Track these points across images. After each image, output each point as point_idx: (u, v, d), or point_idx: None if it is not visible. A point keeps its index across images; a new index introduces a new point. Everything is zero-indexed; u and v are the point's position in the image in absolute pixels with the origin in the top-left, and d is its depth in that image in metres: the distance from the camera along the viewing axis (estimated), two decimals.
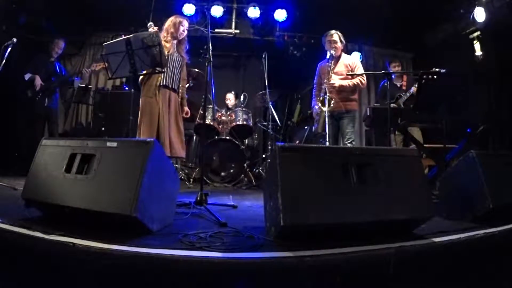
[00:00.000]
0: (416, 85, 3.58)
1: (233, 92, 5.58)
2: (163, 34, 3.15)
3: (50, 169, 1.74)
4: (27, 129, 4.43)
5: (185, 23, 3.27)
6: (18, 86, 4.34)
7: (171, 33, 3.20)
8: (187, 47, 3.38)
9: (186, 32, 3.28)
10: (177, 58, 3.24)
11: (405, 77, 4.49)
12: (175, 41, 3.25)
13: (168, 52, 3.12)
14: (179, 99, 3.34)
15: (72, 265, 1.29)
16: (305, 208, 1.51)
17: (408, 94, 4.18)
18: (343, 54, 3.85)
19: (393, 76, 4.38)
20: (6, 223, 1.49)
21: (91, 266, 1.27)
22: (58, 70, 4.56)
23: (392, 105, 3.92)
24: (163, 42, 3.08)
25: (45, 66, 4.44)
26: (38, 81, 4.29)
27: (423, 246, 1.54)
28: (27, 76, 4.28)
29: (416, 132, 4.32)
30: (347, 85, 3.63)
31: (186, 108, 3.48)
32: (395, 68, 4.60)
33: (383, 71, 3.37)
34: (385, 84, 4.35)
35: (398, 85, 4.43)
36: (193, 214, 2.21)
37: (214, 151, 4.80)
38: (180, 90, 3.36)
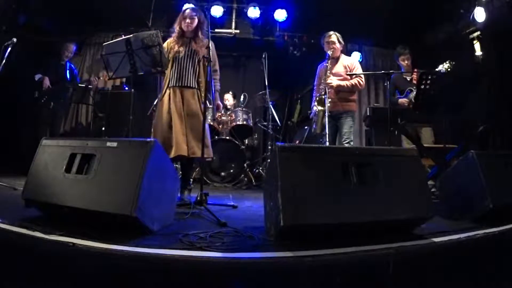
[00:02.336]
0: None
1: (230, 92, 5.56)
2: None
3: (50, 169, 1.74)
4: (27, 129, 4.43)
5: (187, 12, 2.96)
6: (18, 86, 4.35)
7: (177, 30, 3.00)
8: (205, 35, 2.99)
9: (191, 20, 2.95)
10: (186, 54, 2.96)
11: (415, 70, 4.06)
12: (186, 37, 3.00)
13: (175, 50, 2.93)
14: (200, 94, 2.96)
15: (72, 265, 1.29)
16: (305, 208, 1.51)
17: None
18: (342, 55, 3.85)
19: (402, 70, 4.14)
20: (6, 223, 1.50)
21: (91, 266, 1.27)
22: (68, 72, 4.60)
23: (402, 99, 3.83)
24: (173, 43, 2.97)
25: (55, 69, 4.47)
26: (47, 82, 4.31)
27: (423, 246, 1.54)
28: (37, 77, 4.32)
29: (428, 132, 4.19)
30: (345, 85, 3.63)
31: (217, 102, 3.18)
32: (404, 61, 4.19)
33: (383, 71, 3.35)
34: (396, 76, 4.00)
35: (408, 79, 4.05)
36: (193, 214, 2.21)
37: (214, 151, 4.78)
38: (201, 85, 2.98)
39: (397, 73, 4.11)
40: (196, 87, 2.96)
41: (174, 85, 2.90)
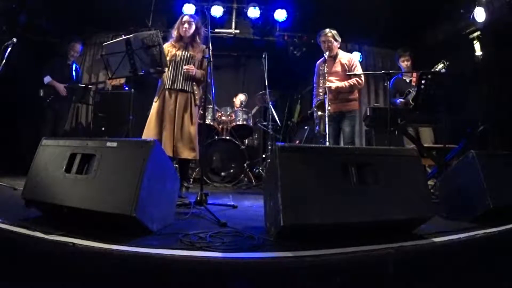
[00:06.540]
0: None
1: (245, 94, 5.58)
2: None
3: (50, 169, 1.74)
4: (28, 129, 4.44)
5: (185, 18, 3.10)
6: (18, 86, 4.35)
7: (175, 35, 3.13)
8: (202, 41, 3.16)
9: (189, 25, 3.07)
10: (183, 58, 3.05)
11: (415, 72, 4.12)
12: (183, 42, 3.12)
13: (172, 53, 3.02)
14: (194, 98, 3.09)
15: (72, 265, 1.29)
16: (305, 208, 1.51)
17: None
18: (340, 52, 3.80)
19: (402, 70, 4.20)
20: (6, 223, 1.50)
21: (91, 266, 1.27)
22: (74, 72, 4.64)
23: (400, 100, 3.85)
24: (170, 47, 3.06)
25: (61, 69, 4.49)
26: (61, 88, 4.35)
27: (423, 246, 1.54)
28: (47, 80, 4.33)
29: (427, 132, 4.16)
30: (344, 86, 3.61)
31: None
32: (404, 62, 4.27)
33: (383, 71, 3.34)
34: (397, 79, 4.16)
35: (408, 80, 4.15)
36: (193, 214, 2.21)
37: (214, 151, 4.80)
38: (195, 88, 3.12)
39: (397, 73, 4.14)
40: (190, 91, 3.08)
41: (169, 87, 3.02)
